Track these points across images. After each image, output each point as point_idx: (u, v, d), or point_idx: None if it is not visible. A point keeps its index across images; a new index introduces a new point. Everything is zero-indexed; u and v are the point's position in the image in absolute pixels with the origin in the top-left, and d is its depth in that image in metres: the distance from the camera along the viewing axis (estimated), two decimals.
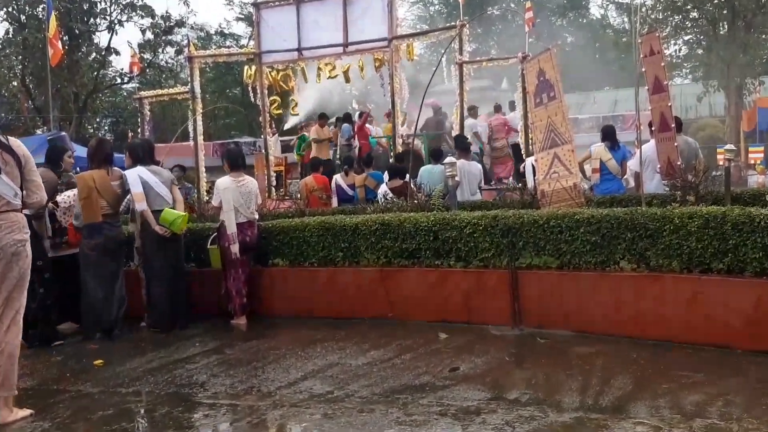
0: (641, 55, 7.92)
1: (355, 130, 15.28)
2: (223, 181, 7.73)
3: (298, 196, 11.96)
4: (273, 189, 14.39)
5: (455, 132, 13.45)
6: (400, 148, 13.34)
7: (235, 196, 7.64)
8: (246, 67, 14.67)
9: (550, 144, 7.29)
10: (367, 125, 15.49)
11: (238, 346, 6.72)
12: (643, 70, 7.91)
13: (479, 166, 10.84)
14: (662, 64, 7.80)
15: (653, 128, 8.23)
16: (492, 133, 15.64)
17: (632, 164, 9.45)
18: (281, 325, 7.51)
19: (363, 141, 15.14)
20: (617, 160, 9.38)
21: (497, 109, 16.36)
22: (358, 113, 16.61)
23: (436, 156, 10.83)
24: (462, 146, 10.73)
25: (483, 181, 11.04)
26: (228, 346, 6.75)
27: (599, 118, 29.74)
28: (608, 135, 9.52)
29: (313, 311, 7.63)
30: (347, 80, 14.58)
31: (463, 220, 6.88)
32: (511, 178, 13.65)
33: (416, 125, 10.09)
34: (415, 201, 8.32)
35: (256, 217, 7.94)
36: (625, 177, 9.72)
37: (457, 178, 9.23)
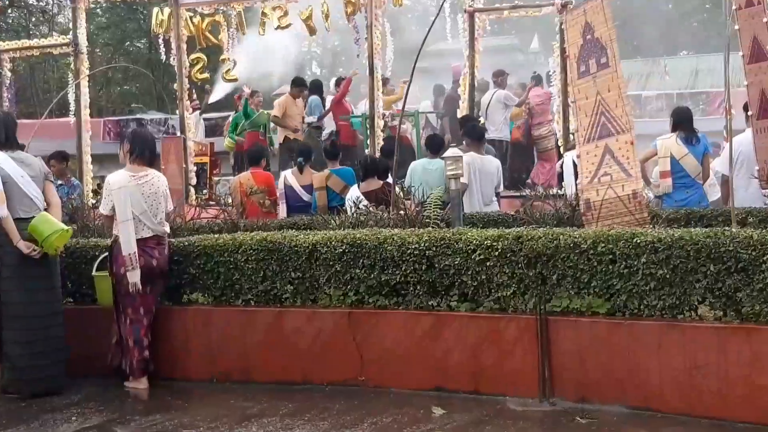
0: (734, 6, 8.00)
1: (332, 105, 15.26)
2: (118, 178, 7.69)
3: (229, 200, 11.93)
4: (192, 189, 14.37)
5: (461, 111, 13.52)
6: (381, 134, 13.39)
7: (135, 200, 7.61)
8: (156, 10, 14.67)
9: (600, 133, 7.33)
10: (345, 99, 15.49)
11: (134, 423, 6.66)
12: (736, 27, 7.98)
13: (497, 162, 10.92)
14: (765, 19, 7.88)
15: (750, 113, 8.31)
16: (531, 115, 15.68)
17: (718, 164, 9.55)
18: (200, 392, 7.46)
19: (342, 122, 15.12)
20: (696, 158, 9.47)
21: (537, 81, 16.37)
22: (335, 80, 16.54)
23: (434, 146, 10.87)
24: (472, 133, 10.79)
25: (501, 185, 11.11)
26: (120, 422, 6.68)
27: (672, 97, 30.05)
28: (683, 121, 9.61)
29: (248, 372, 7.60)
30: (311, 32, 14.59)
31: (470, 241, 6.89)
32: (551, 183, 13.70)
33: (404, 100, 10.12)
34: (402, 212, 8.32)
35: (167, 230, 7.91)
36: (708, 183, 9.81)
37: (463, 180, 9.27)
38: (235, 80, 15.90)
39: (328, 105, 15.71)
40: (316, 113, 15.33)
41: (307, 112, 15.38)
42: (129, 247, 7.53)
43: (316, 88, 15.91)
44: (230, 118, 17.31)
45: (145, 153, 7.85)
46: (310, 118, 15.25)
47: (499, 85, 15.38)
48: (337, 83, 16.02)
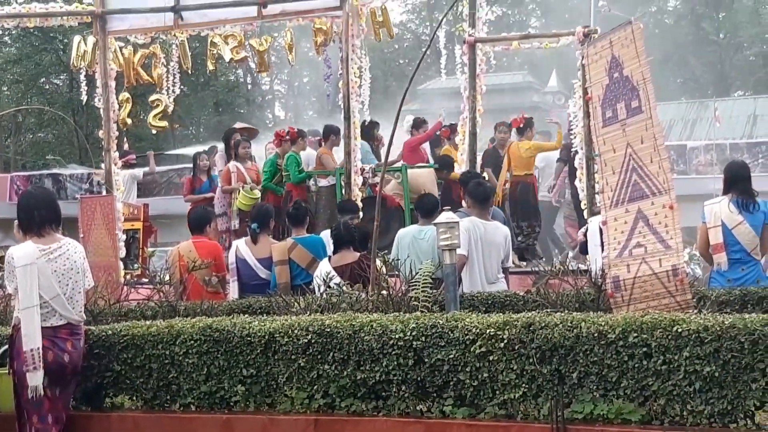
0: None
1: (404, 149, 15.18)
2: (23, 251, 7.62)
3: (166, 277, 11.89)
4: (120, 263, 14.33)
5: (460, 165, 13.60)
6: (359, 192, 13.44)
7: (45, 281, 7.55)
8: (77, 39, 14.74)
9: (631, 194, 7.37)
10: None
11: None
12: None
13: (505, 229, 10.95)
14: None
15: None
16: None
17: None
18: None
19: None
20: (754, 228, 9.52)
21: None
22: (412, 121, 16.28)
23: (426, 209, 10.89)
24: (475, 192, 10.83)
25: (510, 258, 11.13)
26: None
27: (724, 148, 30.32)
28: (737, 181, 9.66)
29: None
30: (263, 68, 14.71)
31: (469, 329, 6.87)
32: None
33: (388, 150, 10.14)
34: (384, 292, 8.30)
35: (83, 317, 7.87)
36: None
37: (461, 251, 9.26)
38: (164, 128, 15.86)
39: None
40: (366, 161, 15.14)
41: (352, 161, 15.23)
42: (32, 342, 7.43)
43: (369, 129, 15.69)
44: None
45: (43, 219, 7.72)
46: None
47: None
48: (415, 125, 15.91)
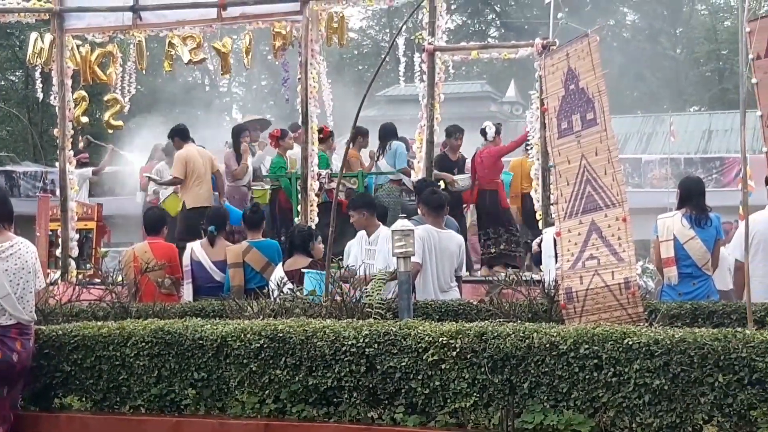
0: (751, 56, 8.15)
1: (488, 159, 15.03)
2: None
3: (119, 278, 11.81)
4: (73, 262, 14.22)
5: (416, 173, 13.59)
6: (315, 198, 13.42)
7: None
8: (34, 36, 14.63)
9: (585, 206, 7.40)
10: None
11: None
12: (754, 81, 8.11)
13: (459, 238, 10.97)
14: None
15: None
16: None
17: (731, 250, 9.66)
18: None
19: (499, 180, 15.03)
20: (706, 243, 9.58)
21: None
22: (494, 127, 15.91)
23: (378, 216, 10.91)
24: (430, 200, 10.85)
25: (464, 266, 11.14)
26: None
27: (678, 162, 30.52)
28: (692, 197, 9.73)
29: None
30: (225, 70, 14.66)
31: (421, 337, 6.87)
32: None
33: (345, 156, 10.16)
34: (337, 298, 8.29)
35: (33, 317, 7.82)
36: (722, 271, 9.92)
37: (415, 259, 9.27)
38: (120, 127, 15.72)
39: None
40: (398, 163, 14.98)
41: (389, 162, 15.08)
42: None
43: (393, 132, 15.51)
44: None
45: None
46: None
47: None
48: (498, 131, 15.65)
